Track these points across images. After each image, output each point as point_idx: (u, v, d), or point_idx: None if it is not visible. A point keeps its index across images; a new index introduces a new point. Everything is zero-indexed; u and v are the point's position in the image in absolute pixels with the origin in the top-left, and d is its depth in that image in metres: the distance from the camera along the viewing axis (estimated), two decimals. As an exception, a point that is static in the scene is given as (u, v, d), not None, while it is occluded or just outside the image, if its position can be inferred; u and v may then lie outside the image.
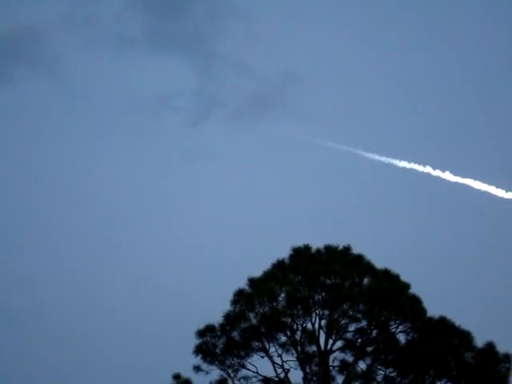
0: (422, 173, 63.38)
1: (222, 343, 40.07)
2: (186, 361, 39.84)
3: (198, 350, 39.89)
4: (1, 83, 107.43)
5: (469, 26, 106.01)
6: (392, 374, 39.33)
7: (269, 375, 39.61)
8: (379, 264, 40.59)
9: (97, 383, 64.79)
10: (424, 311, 39.42)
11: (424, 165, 63.40)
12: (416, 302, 39.29)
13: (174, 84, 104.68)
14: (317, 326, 39.38)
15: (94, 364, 69.09)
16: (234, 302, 39.97)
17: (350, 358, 39.90)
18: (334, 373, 40.18)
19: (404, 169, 63.92)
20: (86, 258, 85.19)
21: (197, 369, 39.75)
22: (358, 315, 39.14)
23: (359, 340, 39.63)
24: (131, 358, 66.90)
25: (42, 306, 76.20)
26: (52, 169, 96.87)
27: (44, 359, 70.61)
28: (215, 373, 40.00)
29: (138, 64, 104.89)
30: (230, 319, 39.76)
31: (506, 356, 38.74)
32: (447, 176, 62.70)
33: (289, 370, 39.33)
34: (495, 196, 61.07)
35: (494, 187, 61.38)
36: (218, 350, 40.02)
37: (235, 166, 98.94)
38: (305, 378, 39.13)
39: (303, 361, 39.23)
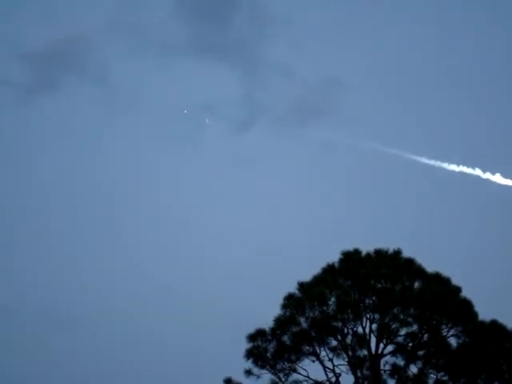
0: (472, 175, 62.97)
1: (272, 347, 40.26)
2: (237, 365, 40.08)
3: (249, 354, 40.12)
4: (50, 91, 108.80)
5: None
6: (443, 378, 39.16)
7: (320, 379, 39.69)
8: (430, 267, 40.51)
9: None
10: (475, 315, 39.24)
11: (473, 167, 62.99)
12: (467, 305, 39.13)
13: (220, 91, 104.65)
14: (367, 330, 39.42)
15: (146, 368, 69.71)
16: (285, 307, 40.14)
17: (401, 362, 39.80)
18: (385, 377, 40.14)
19: (453, 172, 63.58)
20: (141, 261, 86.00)
21: (248, 373, 39.97)
22: (409, 319, 39.04)
23: (410, 344, 39.51)
24: (183, 362, 67.37)
25: (95, 310, 76.94)
26: (100, 174, 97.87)
27: (97, 362, 71.47)
28: (266, 377, 40.29)
29: (183, 72, 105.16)
30: (281, 323, 39.92)
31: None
32: (497, 178, 62.15)
33: (340, 374, 39.38)
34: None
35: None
36: (268, 354, 40.21)
37: (282, 172, 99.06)
38: (356, 382, 39.13)
39: (354, 365, 39.23)
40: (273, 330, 40.20)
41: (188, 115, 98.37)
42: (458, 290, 39.56)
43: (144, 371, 68.94)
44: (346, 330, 39.45)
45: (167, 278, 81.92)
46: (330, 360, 39.57)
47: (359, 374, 39.24)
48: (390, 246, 41.17)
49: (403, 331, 39.38)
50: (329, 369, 39.49)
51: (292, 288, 40.50)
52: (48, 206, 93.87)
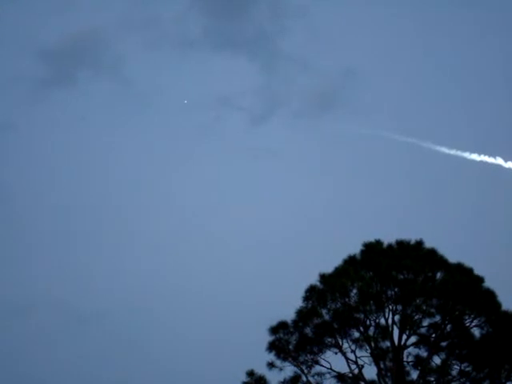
0: (493, 165, 62.56)
1: (294, 339, 40.17)
2: (259, 357, 40.06)
3: (272, 346, 40.06)
4: (66, 85, 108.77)
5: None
6: (467, 369, 38.98)
7: (342, 371, 39.59)
8: (452, 258, 40.32)
9: (171, 381, 65.34)
10: (498, 305, 39.00)
11: (495, 156, 62.57)
12: (490, 295, 38.90)
13: (237, 83, 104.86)
14: (390, 321, 39.27)
15: (168, 362, 69.81)
16: (306, 299, 40.02)
17: (424, 353, 39.69)
18: (408, 368, 40.02)
19: (474, 161, 63.21)
20: (157, 255, 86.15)
21: (270, 365, 39.91)
22: (432, 310, 38.87)
23: (433, 335, 39.36)
24: (205, 355, 67.44)
25: (109, 306, 77.12)
26: (117, 168, 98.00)
27: (112, 359, 71.59)
28: (289, 369, 40.17)
29: (201, 64, 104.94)
30: (303, 315, 39.83)
31: None
32: (520, 167, 61.70)
33: (363, 366, 39.25)
34: None
35: None
36: (291, 347, 40.13)
37: (300, 164, 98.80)
38: (379, 374, 39.02)
39: (377, 356, 39.07)
40: (295, 322, 40.11)
41: (206, 107, 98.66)
42: (480, 280, 39.33)
43: (161, 366, 69.18)
44: (368, 321, 39.33)
45: (182, 274, 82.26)
46: (353, 352, 39.38)
47: (382, 366, 39.13)
48: (412, 237, 41.08)
49: (426, 322, 39.26)
50: (351, 360, 39.35)
51: (314, 280, 40.42)
52: (60, 202, 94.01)
